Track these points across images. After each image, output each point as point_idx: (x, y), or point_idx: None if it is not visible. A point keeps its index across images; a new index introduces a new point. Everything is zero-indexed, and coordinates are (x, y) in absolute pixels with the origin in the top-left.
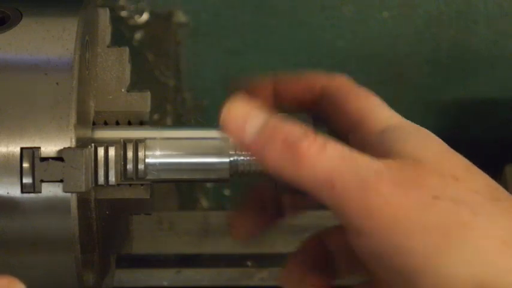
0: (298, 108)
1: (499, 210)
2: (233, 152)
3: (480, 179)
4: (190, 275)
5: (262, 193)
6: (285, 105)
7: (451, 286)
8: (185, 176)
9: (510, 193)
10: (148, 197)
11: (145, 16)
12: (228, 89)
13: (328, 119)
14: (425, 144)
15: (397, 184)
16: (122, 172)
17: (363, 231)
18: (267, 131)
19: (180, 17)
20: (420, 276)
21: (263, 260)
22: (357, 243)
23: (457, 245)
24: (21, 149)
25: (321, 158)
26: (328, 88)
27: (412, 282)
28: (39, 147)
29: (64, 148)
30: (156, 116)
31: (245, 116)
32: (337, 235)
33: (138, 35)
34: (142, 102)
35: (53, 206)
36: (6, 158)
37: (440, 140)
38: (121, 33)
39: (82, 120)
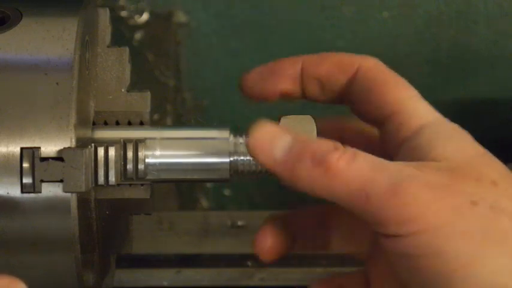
0: (324, 94)
1: None
2: (233, 152)
3: None
4: (190, 275)
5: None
6: (311, 90)
7: None
8: (185, 176)
9: None
10: (148, 197)
11: (145, 16)
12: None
13: (358, 104)
14: (463, 146)
15: (432, 188)
16: (122, 172)
17: (401, 236)
18: (295, 150)
19: (180, 17)
20: (456, 280)
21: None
22: (392, 246)
23: (494, 253)
24: (21, 149)
25: (351, 169)
26: (362, 71)
27: (447, 286)
28: (39, 147)
29: (64, 148)
30: (156, 116)
31: (272, 138)
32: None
33: (138, 35)
34: (142, 102)
35: (53, 206)
36: (6, 158)
37: (476, 142)
38: (121, 33)
39: (82, 120)
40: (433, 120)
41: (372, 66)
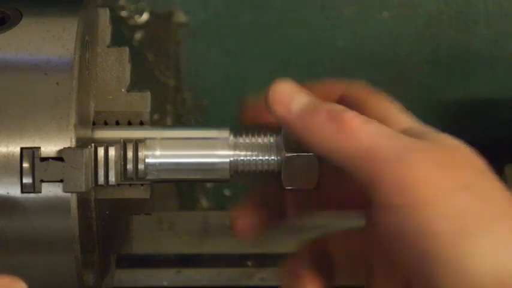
0: None
1: None
2: (233, 152)
3: (500, 184)
4: (190, 275)
5: (265, 192)
6: None
7: (471, 275)
8: (185, 176)
9: (511, 192)
10: (148, 197)
11: (145, 16)
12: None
13: None
14: (448, 139)
15: (436, 165)
16: (122, 172)
17: (391, 206)
18: (312, 106)
19: (180, 17)
20: (441, 261)
21: (263, 260)
22: (382, 219)
23: (484, 235)
24: (21, 149)
25: (363, 129)
26: (347, 95)
27: (432, 267)
28: (39, 147)
29: (64, 148)
30: (156, 116)
31: (291, 94)
32: (340, 238)
33: (138, 35)
34: (142, 102)
35: (53, 206)
36: (6, 158)
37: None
38: (121, 33)
39: (82, 120)
40: (414, 125)
41: (356, 90)
